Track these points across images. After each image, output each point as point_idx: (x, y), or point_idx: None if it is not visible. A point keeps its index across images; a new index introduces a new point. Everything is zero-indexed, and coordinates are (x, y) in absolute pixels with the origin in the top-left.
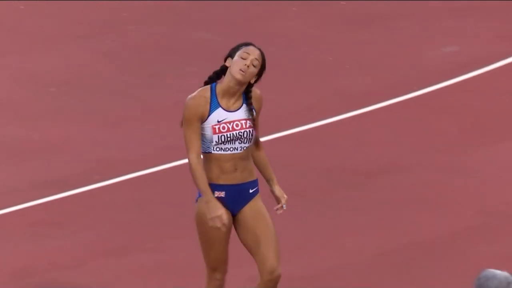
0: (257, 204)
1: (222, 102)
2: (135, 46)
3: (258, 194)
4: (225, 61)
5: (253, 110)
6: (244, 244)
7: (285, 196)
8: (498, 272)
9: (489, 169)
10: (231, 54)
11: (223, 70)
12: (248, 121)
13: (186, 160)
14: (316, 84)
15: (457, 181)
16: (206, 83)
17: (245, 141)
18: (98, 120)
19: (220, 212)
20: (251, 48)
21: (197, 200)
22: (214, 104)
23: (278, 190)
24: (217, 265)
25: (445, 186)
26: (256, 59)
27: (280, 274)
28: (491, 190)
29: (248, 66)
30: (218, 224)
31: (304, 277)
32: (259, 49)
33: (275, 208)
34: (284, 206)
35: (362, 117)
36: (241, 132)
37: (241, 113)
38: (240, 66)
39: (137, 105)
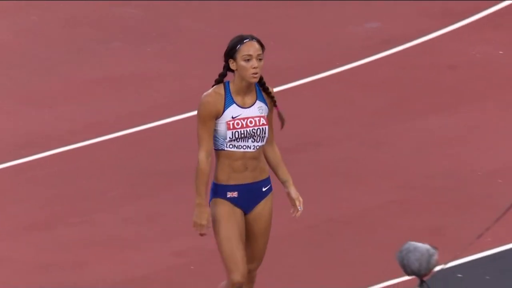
0: (265, 207)
1: (237, 98)
2: (60, 22)
3: (271, 193)
4: (225, 61)
5: (275, 103)
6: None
7: (300, 198)
8: (419, 244)
9: (411, 143)
10: (231, 55)
11: (228, 69)
12: (262, 118)
13: (112, 135)
14: None
15: (380, 155)
16: (217, 82)
17: (258, 140)
18: (24, 96)
19: (205, 223)
20: (247, 44)
21: (210, 201)
22: (228, 100)
23: (294, 192)
24: (233, 266)
25: (368, 160)
26: (258, 53)
27: (253, 277)
28: (413, 164)
29: (256, 67)
30: (198, 231)
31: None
32: (252, 37)
33: (291, 211)
34: (300, 208)
35: (286, 93)
36: (255, 129)
37: (255, 110)
38: (250, 70)
39: (63, 81)
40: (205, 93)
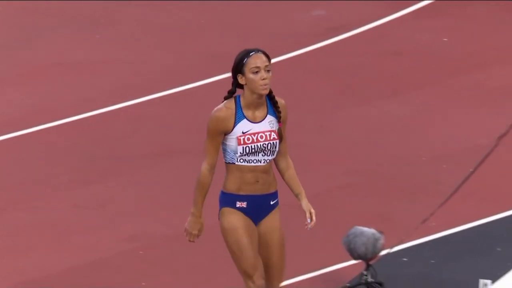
0: (274, 219)
1: (248, 113)
2: (12, 9)
3: (278, 206)
4: (234, 76)
5: (279, 119)
6: (260, 255)
7: (312, 210)
8: (366, 229)
9: (358, 130)
10: (239, 70)
11: (237, 85)
12: (272, 133)
13: (62, 121)
14: (189, 47)
15: (328, 141)
16: (226, 98)
17: (268, 154)
18: None
19: (196, 232)
20: (254, 57)
21: (219, 214)
22: (239, 115)
23: (305, 204)
24: (251, 271)
25: (316, 146)
26: (266, 64)
27: None
28: (360, 150)
29: (265, 78)
30: (190, 239)
31: (177, 236)
32: (258, 50)
33: (305, 223)
34: (310, 220)
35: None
36: (265, 144)
37: (265, 124)
38: (259, 83)
39: (14, 67)
40: (216, 108)
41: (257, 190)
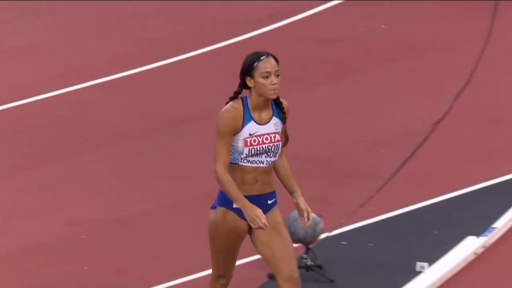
0: (274, 216)
1: (255, 115)
2: None
3: (276, 206)
4: (242, 78)
5: (285, 120)
6: (260, 255)
7: (309, 209)
8: None
9: (297, 115)
10: (249, 73)
11: (244, 86)
12: (276, 135)
13: (2, 107)
14: (130, 33)
15: None
16: (231, 99)
17: (271, 155)
18: None
19: (258, 212)
20: (265, 62)
21: (211, 209)
22: (247, 117)
23: (302, 203)
24: (224, 273)
25: None
26: (276, 69)
27: (297, 278)
28: (299, 135)
29: (275, 83)
30: (260, 224)
31: (119, 220)
32: (268, 54)
33: (300, 222)
34: (308, 220)
35: (175, 66)
36: (270, 146)
37: (271, 126)
38: (268, 87)
39: None
40: (224, 109)
41: (256, 190)
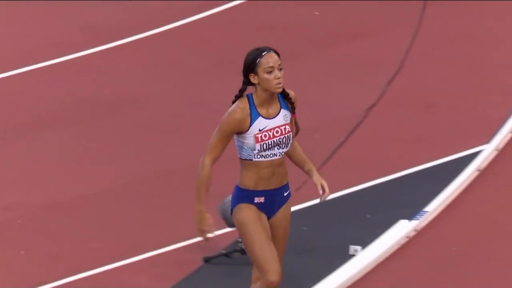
0: (286, 213)
1: (262, 110)
2: None
3: (290, 198)
4: (245, 75)
5: (293, 110)
6: None
7: (323, 182)
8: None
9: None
10: (252, 70)
11: (248, 83)
12: (286, 126)
13: None
14: (67, 19)
15: (202, 112)
16: (237, 97)
17: (283, 147)
18: None
19: (207, 227)
20: (267, 57)
21: (232, 210)
22: (254, 114)
23: (316, 177)
24: (267, 266)
25: (191, 118)
26: (278, 63)
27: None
28: None
29: (279, 77)
30: (202, 237)
31: (54, 204)
32: (270, 49)
33: (319, 197)
34: (324, 192)
35: (112, 51)
36: (281, 138)
37: (280, 119)
38: (273, 81)
39: None
40: (230, 110)
41: (273, 184)
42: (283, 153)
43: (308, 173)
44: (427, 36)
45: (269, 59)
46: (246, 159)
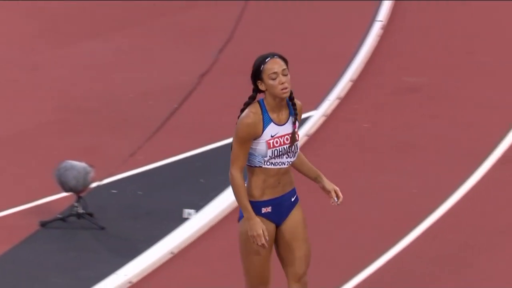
0: (297, 216)
1: (273, 116)
2: None
3: (298, 202)
4: (254, 83)
5: (295, 120)
6: (278, 254)
7: (336, 188)
8: (76, 163)
9: (67, 68)
10: (258, 77)
11: (257, 91)
12: (296, 134)
13: None
14: None
15: (36, 79)
16: (247, 104)
17: (291, 156)
18: None
19: (261, 231)
20: (270, 62)
21: (239, 220)
22: (266, 120)
23: (327, 184)
24: (259, 283)
25: (26, 84)
26: (282, 68)
27: (305, 280)
28: (69, 87)
29: (284, 82)
30: (259, 243)
31: None
32: (274, 55)
33: (331, 202)
34: (337, 199)
35: None
36: (290, 146)
37: (290, 126)
38: (278, 87)
39: None
40: (243, 115)
41: (279, 192)
42: (290, 163)
43: (316, 180)
44: (257, 5)
45: (273, 65)
46: (256, 166)
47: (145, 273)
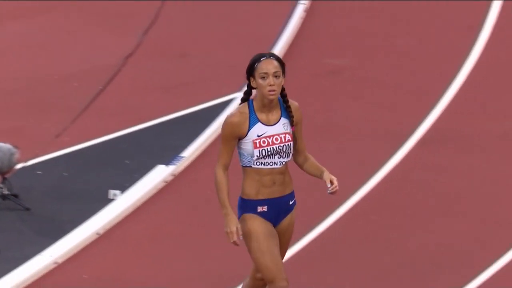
0: (291, 221)
1: (261, 116)
2: None
3: (295, 207)
4: (248, 80)
5: (292, 123)
6: None
7: (333, 177)
8: (1, 144)
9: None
10: (252, 74)
11: (251, 88)
12: (287, 135)
13: None
14: None
15: None
16: (243, 100)
17: (284, 156)
18: None
19: (234, 229)
20: (264, 62)
21: (239, 218)
22: (253, 119)
23: (326, 175)
24: (273, 275)
25: None
26: (275, 71)
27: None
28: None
29: (273, 84)
30: (231, 240)
31: None
32: (271, 55)
33: (328, 191)
34: (332, 188)
35: None
36: (281, 146)
37: (280, 127)
38: (266, 88)
39: None
40: (230, 113)
41: (275, 192)
42: (284, 163)
43: (322, 174)
44: None
45: (267, 65)
46: (246, 166)
47: (70, 254)
